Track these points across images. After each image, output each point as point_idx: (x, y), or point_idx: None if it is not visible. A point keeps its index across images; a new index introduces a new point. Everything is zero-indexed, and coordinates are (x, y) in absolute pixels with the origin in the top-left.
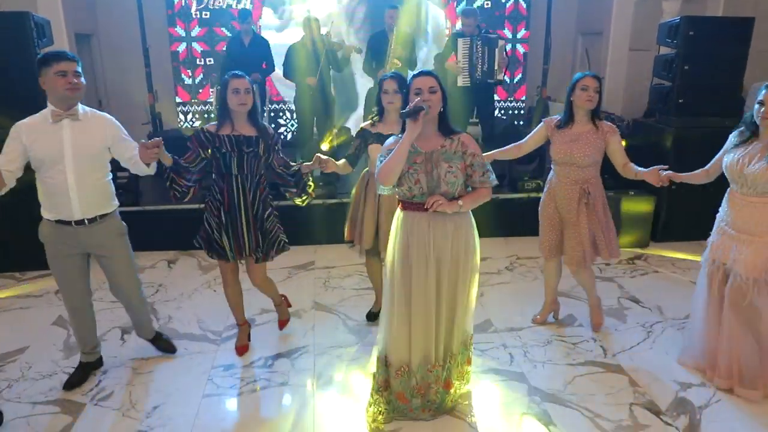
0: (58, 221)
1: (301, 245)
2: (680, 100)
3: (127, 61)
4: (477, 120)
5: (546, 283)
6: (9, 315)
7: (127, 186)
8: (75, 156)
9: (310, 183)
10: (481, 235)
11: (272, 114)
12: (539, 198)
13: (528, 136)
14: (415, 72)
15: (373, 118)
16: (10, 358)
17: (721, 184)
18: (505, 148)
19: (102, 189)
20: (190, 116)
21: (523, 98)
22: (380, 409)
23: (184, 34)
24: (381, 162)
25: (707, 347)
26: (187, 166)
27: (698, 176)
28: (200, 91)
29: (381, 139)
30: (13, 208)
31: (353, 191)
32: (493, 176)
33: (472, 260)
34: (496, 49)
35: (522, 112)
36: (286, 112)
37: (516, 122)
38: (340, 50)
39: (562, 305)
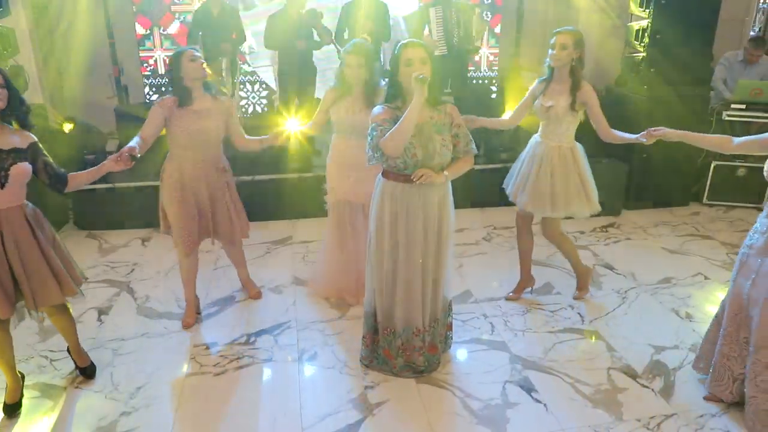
0: None
1: (279, 220)
2: (652, 69)
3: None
4: (450, 91)
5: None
6: None
7: (95, 164)
8: None
9: None
10: (456, 207)
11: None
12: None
13: None
14: (404, 41)
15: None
16: None
17: (690, 154)
18: None
19: None
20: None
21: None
22: (369, 354)
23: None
24: (376, 133)
25: (344, 276)
26: None
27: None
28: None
29: (22, 154)
30: None
31: None
32: (474, 145)
33: (452, 228)
34: (474, 16)
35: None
36: (246, 84)
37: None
38: (323, 34)
39: (539, 273)
